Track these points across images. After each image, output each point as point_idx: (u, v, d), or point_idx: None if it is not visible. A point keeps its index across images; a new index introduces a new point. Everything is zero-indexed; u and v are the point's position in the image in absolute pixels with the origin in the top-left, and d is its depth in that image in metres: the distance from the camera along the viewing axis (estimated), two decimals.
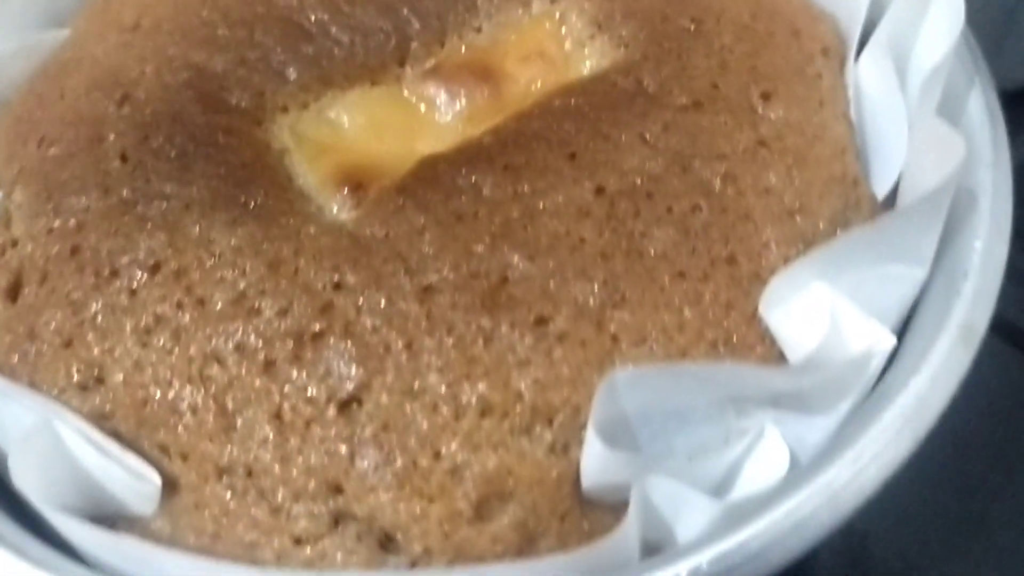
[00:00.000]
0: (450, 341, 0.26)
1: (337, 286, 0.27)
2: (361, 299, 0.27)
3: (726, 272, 0.28)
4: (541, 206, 0.28)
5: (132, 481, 0.26)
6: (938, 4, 0.31)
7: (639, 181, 0.29)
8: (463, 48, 0.35)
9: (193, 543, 0.26)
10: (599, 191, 0.29)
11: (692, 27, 0.33)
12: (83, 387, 0.27)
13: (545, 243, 0.28)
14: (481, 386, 0.26)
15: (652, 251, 0.28)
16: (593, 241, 0.28)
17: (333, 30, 0.34)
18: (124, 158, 0.30)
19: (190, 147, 0.30)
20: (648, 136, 0.30)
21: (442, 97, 0.34)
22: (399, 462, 0.25)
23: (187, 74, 0.32)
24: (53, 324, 0.28)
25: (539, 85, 0.34)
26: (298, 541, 0.26)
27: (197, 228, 0.28)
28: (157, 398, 0.27)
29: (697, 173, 0.29)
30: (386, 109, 0.34)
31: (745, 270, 0.28)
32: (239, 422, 0.26)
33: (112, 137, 0.31)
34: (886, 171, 0.31)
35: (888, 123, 0.31)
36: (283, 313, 0.27)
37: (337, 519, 0.26)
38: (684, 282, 0.27)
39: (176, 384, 0.27)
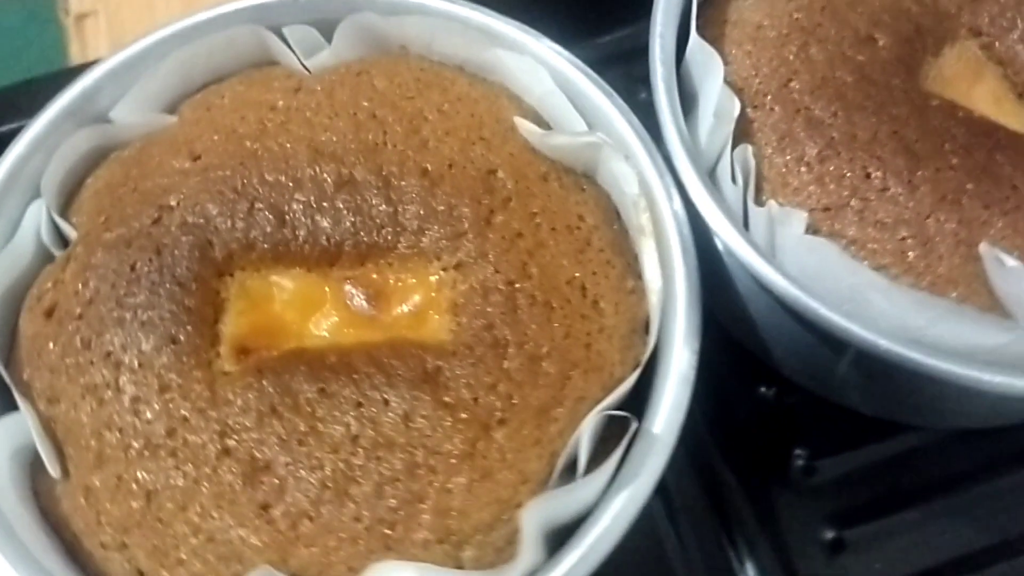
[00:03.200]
0: (215, 490, 0.45)
1: (184, 420, 0.46)
2: (190, 435, 0.46)
3: (380, 532, 0.44)
4: (318, 429, 0.45)
5: (49, 456, 0.47)
6: None
7: (379, 443, 0.45)
8: (375, 272, 0.50)
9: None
10: (355, 439, 0.45)
11: (500, 347, 0.47)
12: (48, 401, 0.48)
13: (300, 457, 0.45)
14: (231, 524, 0.44)
15: (355, 494, 0.44)
16: (330, 469, 0.44)
17: (299, 228, 0.50)
18: (133, 268, 0.49)
19: (168, 281, 0.48)
20: (410, 415, 0.46)
21: (344, 299, 0.50)
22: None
23: (200, 219, 0.50)
24: (52, 354, 0.48)
25: (403, 322, 0.49)
26: None
27: (138, 341, 0.47)
28: (78, 420, 0.47)
29: (416, 457, 0.45)
30: (307, 292, 0.50)
31: (396, 535, 0.43)
32: (104, 443, 0.46)
33: (135, 248, 0.49)
34: None
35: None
36: (152, 421, 0.46)
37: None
38: (358, 524, 0.44)
39: (86, 420, 0.46)
